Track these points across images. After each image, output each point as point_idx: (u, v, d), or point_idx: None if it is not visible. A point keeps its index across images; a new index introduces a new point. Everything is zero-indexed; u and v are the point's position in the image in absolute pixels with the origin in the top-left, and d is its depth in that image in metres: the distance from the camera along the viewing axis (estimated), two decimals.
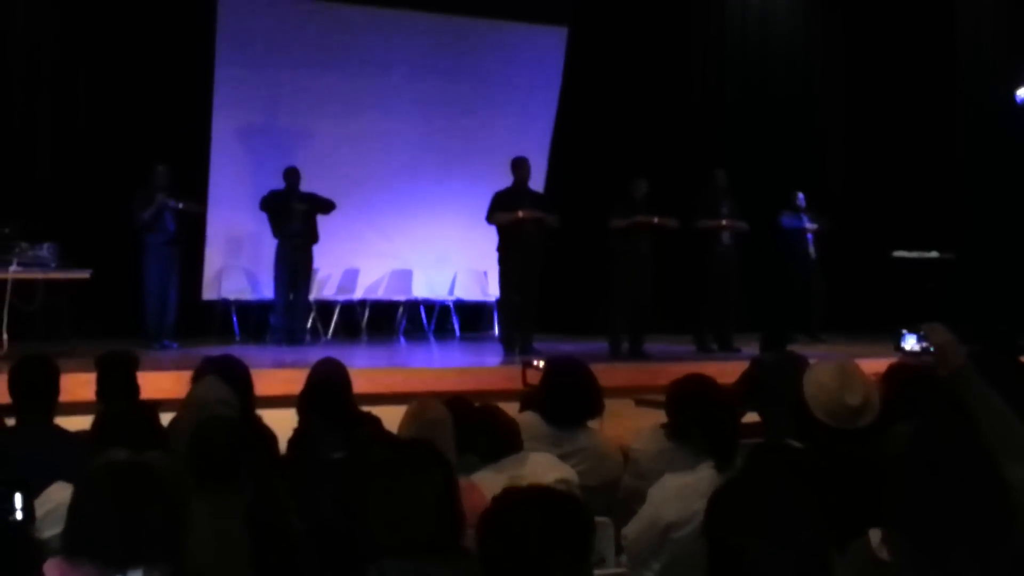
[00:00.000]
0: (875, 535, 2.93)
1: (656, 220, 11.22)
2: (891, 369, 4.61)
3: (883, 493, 2.84)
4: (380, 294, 13.40)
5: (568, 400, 5.06)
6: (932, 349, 3.58)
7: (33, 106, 11.80)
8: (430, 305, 13.66)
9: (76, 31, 11.85)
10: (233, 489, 3.24)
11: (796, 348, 8.75)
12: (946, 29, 14.35)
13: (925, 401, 4.03)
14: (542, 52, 13.90)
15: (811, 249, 13.14)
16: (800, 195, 13.19)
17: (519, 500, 2.70)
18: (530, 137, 13.46)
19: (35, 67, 11.76)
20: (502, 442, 4.51)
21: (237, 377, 4.99)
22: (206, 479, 3.36)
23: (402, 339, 13.25)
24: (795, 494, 2.56)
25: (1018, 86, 12.31)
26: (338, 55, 12.87)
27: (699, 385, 4.61)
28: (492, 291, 12.87)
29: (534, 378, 8.17)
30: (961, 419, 3.33)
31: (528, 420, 4.99)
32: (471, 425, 4.58)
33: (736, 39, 14.93)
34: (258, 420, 4.84)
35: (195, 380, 4.95)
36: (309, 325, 12.40)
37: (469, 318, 13.81)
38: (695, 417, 4.44)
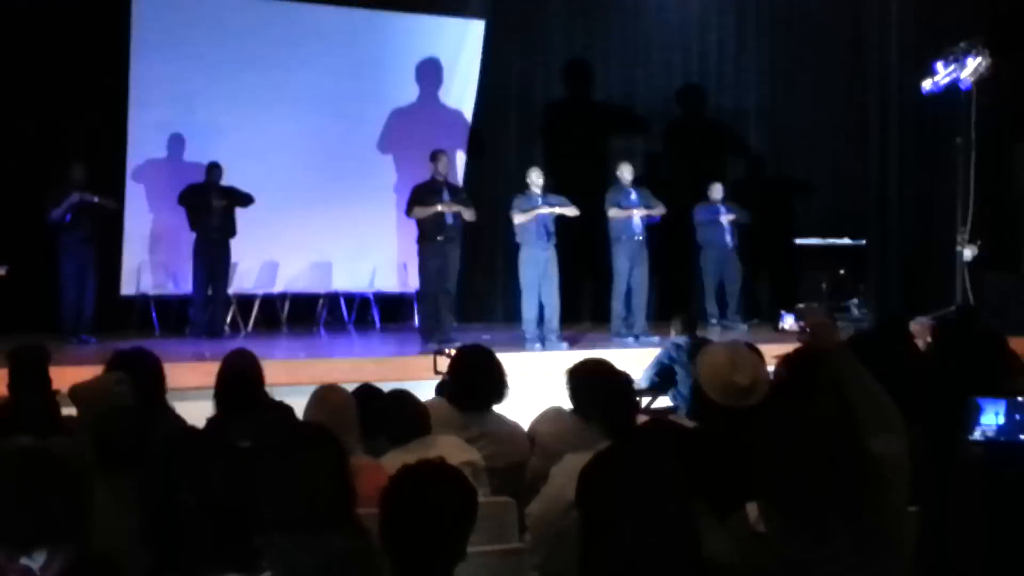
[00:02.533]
0: (752, 508, 3.08)
1: (557, 210, 11.30)
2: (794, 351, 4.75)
3: (758, 468, 2.99)
4: (300, 287, 13.40)
5: (474, 385, 5.20)
6: (808, 329, 3.73)
7: None
8: (350, 297, 13.69)
9: None
10: (133, 474, 3.33)
11: (712, 335, 8.96)
12: (854, 17, 14.71)
13: (805, 380, 4.19)
14: (460, 45, 13.94)
15: (728, 239, 13.26)
16: (718, 186, 13.34)
17: (412, 475, 2.91)
18: (449, 130, 13.55)
19: None
20: (410, 425, 4.66)
21: (147, 368, 5.07)
22: (108, 465, 3.46)
23: (323, 331, 13.29)
24: (662, 469, 2.68)
25: (923, 77, 12.59)
26: (255, 50, 12.83)
27: (596, 367, 4.77)
28: (412, 283, 12.94)
29: (445, 366, 8.35)
30: (833, 396, 3.49)
31: (436, 405, 5.12)
32: (380, 408, 4.72)
33: (649, 30, 15.09)
34: (168, 409, 4.93)
35: (107, 371, 5.02)
36: (229, 318, 12.43)
37: (389, 309, 13.86)
38: (593, 398, 4.60)
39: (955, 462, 3.80)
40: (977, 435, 4.20)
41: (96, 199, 10.98)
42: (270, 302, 13.23)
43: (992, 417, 4.26)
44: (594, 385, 4.64)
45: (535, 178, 11.42)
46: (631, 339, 11.70)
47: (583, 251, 12.38)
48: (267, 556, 2.30)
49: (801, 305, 3.69)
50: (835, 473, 2.88)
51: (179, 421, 4.24)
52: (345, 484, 3.04)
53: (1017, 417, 4.27)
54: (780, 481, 2.91)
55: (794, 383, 4.56)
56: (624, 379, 4.74)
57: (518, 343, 11.06)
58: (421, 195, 11.05)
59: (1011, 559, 3.38)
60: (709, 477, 3.23)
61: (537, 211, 11.20)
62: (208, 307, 11.75)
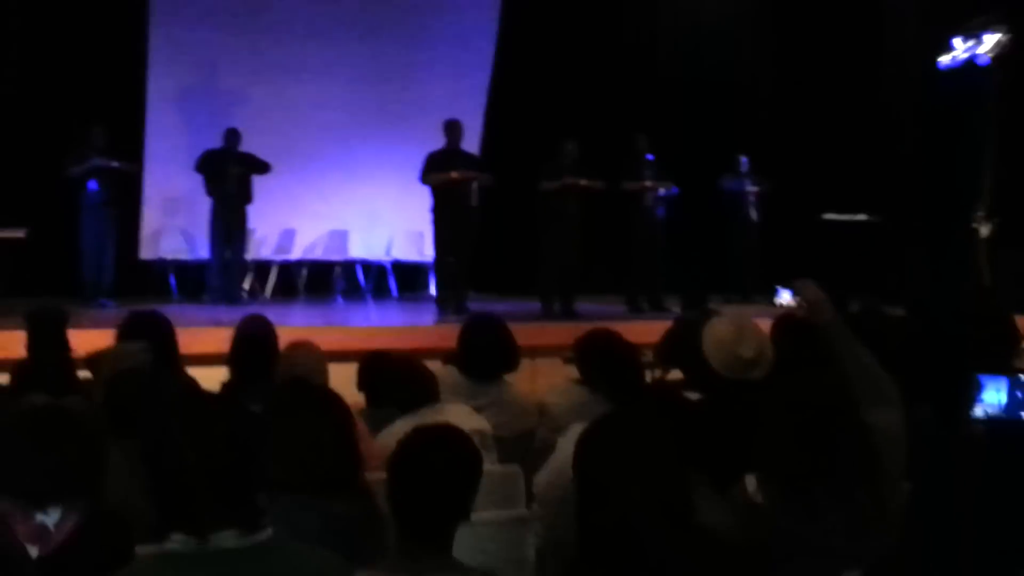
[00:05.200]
0: (751, 480, 3.13)
1: (583, 183, 11.37)
2: (778, 321, 4.79)
3: (755, 439, 3.04)
4: (317, 254, 13.49)
5: (484, 354, 5.26)
6: (803, 304, 3.77)
7: None
8: (367, 265, 13.77)
9: None
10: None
11: (729, 308, 8.96)
12: None
13: (801, 352, 4.23)
14: (476, 14, 13.95)
15: (752, 212, 13.37)
16: (743, 159, 13.41)
17: (422, 437, 2.98)
18: (465, 99, 13.55)
19: None
20: (419, 392, 4.71)
21: (160, 332, 5.14)
22: (120, 427, 3.53)
23: (340, 299, 13.34)
24: (659, 436, 2.73)
25: (941, 53, 12.55)
26: (273, 18, 12.87)
27: (603, 339, 4.82)
28: (429, 252, 12.97)
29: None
30: (829, 369, 3.54)
31: (446, 373, 5.18)
32: (389, 376, 4.78)
33: (668, 2, 15.09)
34: (182, 373, 4.99)
35: (119, 334, 5.09)
36: (247, 285, 12.50)
37: (406, 278, 13.92)
38: (601, 368, 4.66)
39: (956, 439, 3.83)
40: (979, 413, 4.23)
41: (116, 163, 11.06)
42: (287, 269, 13.30)
43: (994, 395, 4.29)
44: (601, 356, 4.70)
45: (570, 149, 11.46)
46: (646, 311, 11.75)
47: (599, 221, 12.37)
48: (270, 515, 2.37)
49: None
50: (830, 446, 2.91)
51: (192, 385, 4.31)
52: (351, 448, 3.11)
53: (1019, 395, 4.28)
54: (776, 453, 2.95)
55: (794, 356, 4.62)
56: (631, 350, 4.80)
57: (534, 313, 11.11)
58: (435, 162, 11.04)
59: (1009, 538, 3.41)
60: (709, 448, 3.29)
61: (563, 181, 11.28)
62: (225, 272, 11.80)
